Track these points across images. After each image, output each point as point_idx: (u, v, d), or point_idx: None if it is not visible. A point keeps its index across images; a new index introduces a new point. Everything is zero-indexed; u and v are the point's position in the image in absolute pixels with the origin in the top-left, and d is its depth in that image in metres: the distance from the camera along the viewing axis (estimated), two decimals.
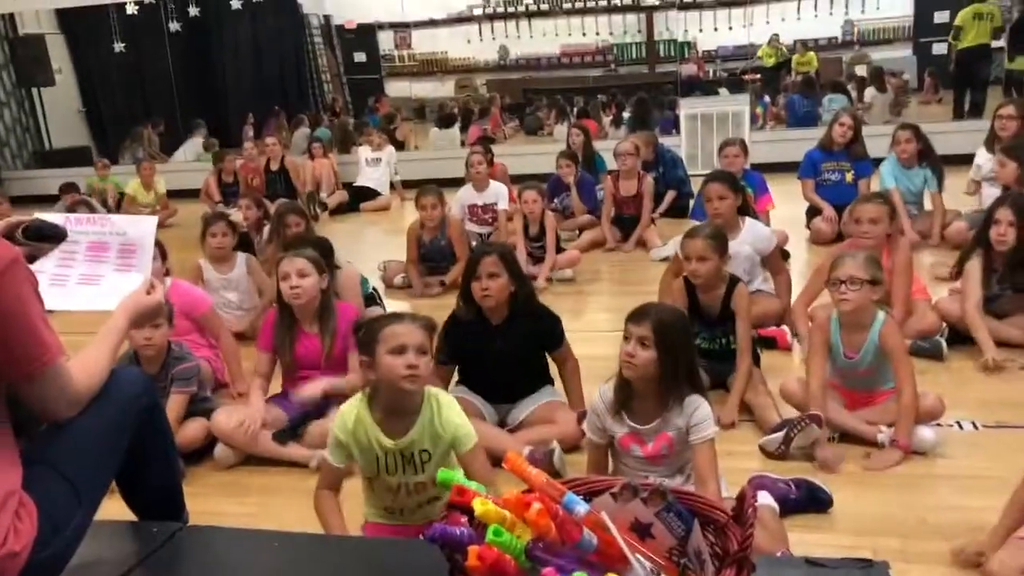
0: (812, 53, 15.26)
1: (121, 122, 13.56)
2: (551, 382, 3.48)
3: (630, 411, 2.56)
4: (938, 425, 3.14)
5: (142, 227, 2.20)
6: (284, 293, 3.41)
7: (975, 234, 4.18)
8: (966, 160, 6.39)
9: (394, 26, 19.06)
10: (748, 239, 4.25)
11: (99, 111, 14.03)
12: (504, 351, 3.28)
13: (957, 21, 10.57)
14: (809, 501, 2.70)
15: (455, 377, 3.45)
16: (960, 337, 3.95)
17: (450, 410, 2.39)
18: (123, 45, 13.13)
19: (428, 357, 2.33)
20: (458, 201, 6.59)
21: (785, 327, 4.22)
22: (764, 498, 2.55)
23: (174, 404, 3.41)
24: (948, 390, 3.39)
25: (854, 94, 12.09)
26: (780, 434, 3.05)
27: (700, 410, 2.48)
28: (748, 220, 4.33)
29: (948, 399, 3.23)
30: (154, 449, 2.15)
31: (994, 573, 2.19)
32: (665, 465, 2.58)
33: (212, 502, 3.06)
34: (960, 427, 3.23)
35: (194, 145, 12.57)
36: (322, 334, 3.46)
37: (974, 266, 3.94)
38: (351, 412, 2.40)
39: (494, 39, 18.80)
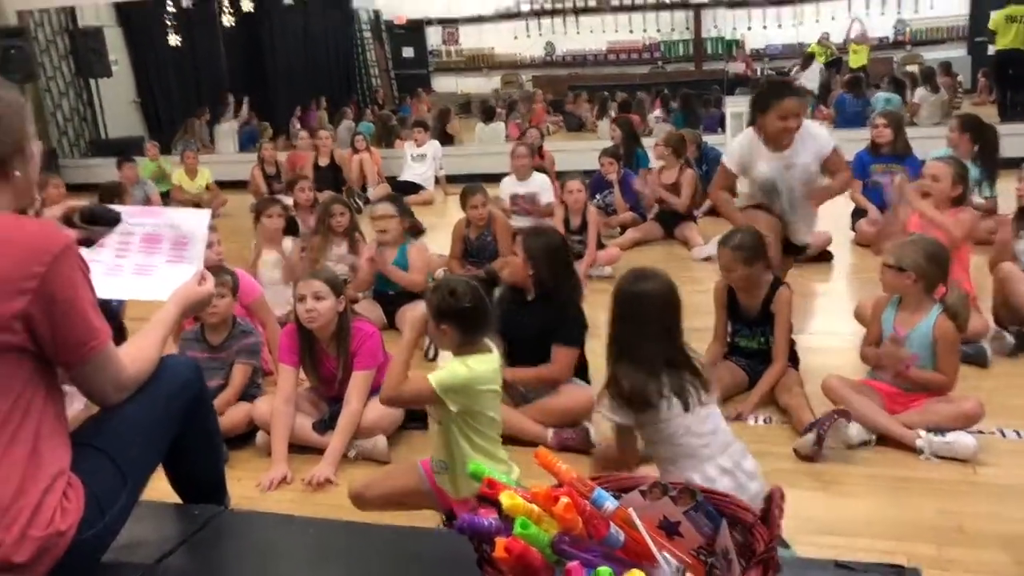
0: (865, 47, 15.01)
1: (174, 113, 13.84)
2: (584, 376, 3.51)
3: None
4: (979, 432, 3.10)
5: (195, 220, 2.26)
6: (299, 314, 3.34)
7: None
8: (1014, 164, 6.25)
9: (442, 22, 19.17)
10: (804, 147, 3.97)
11: (153, 102, 14.32)
12: (527, 326, 3.38)
13: (990, 24, 10.40)
14: None
15: None
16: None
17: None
18: (178, 38, 13.39)
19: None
20: (502, 190, 6.66)
21: None
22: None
23: (238, 375, 3.60)
24: (992, 396, 3.35)
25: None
26: (811, 435, 3.05)
27: None
28: (804, 125, 4.00)
29: (991, 406, 3.19)
30: (200, 435, 2.21)
31: None
32: None
33: (253, 487, 3.13)
34: (1003, 435, 3.18)
35: (230, 128, 12.78)
36: (338, 356, 3.41)
37: None
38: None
39: (541, 35, 18.81)
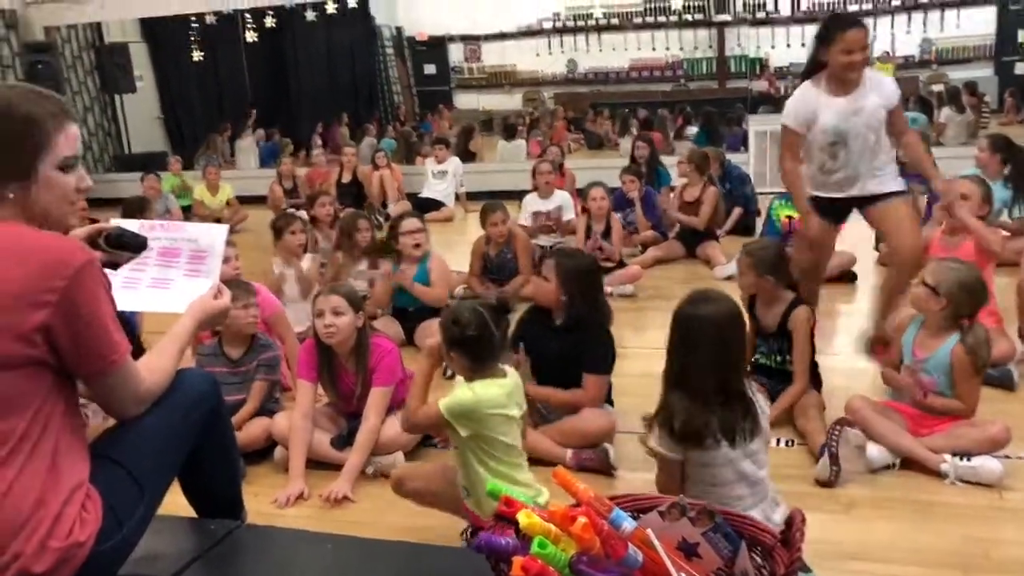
0: (890, 65, 14.96)
1: (197, 129, 13.99)
2: (608, 398, 3.48)
3: None
4: (1006, 457, 3.05)
5: (213, 234, 2.27)
6: (318, 330, 3.34)
7: None
8: None
9: (465, 39, 19.27)
10: (871, 90, 3.74)
11: (177, 118, 14.49)
12: (553, 349, 3.37)
13: (1021, 39, 10.33)
14: None
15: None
16: None
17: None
18: (201, 54, 13.54)
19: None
20: (524, 208, 6.67)
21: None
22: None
23: (257, 390, 3.62)
24: (1019, 420, 3.29)
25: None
26: (824, 458, 3.01)
27: None
28: (868, 71, 3.78)
29: (1018, 430, 3.13)
30: (217, 449, 2.21)
31: None
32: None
33: (270, 503, 3.13)
34: None
35: (251, 143, 12.89)
36: (357, 372, 3.40)
37: None
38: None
39: (563, 52, 18.86)
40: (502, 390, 2.49)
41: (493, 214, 5.64)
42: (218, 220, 8.54)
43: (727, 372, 2.32)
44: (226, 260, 2.70)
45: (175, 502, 2.14)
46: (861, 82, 3.70)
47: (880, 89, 3.75)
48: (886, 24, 17.42)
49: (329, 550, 2.09)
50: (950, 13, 17.05)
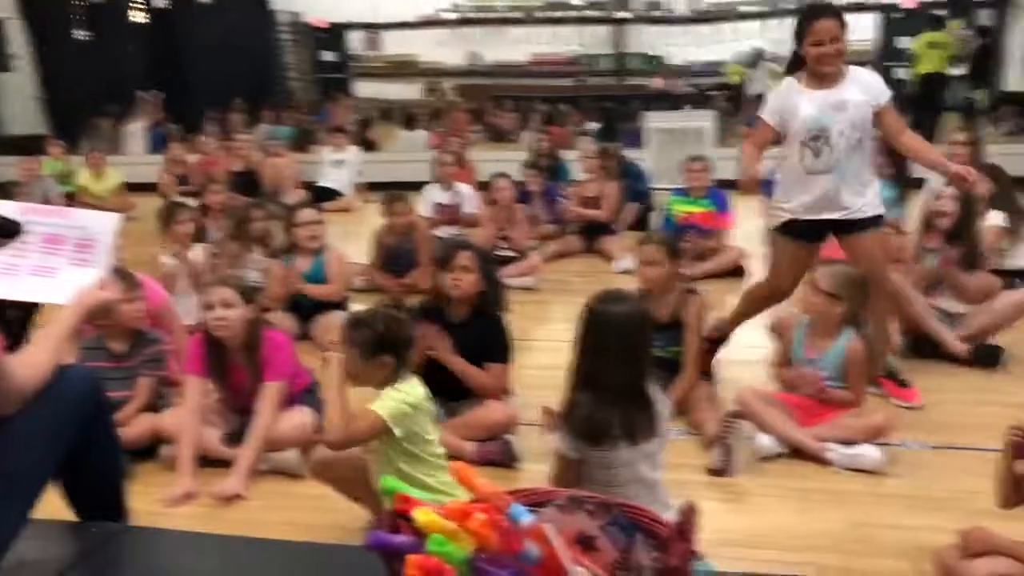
0: (740, 67, 15.76)
1: (81, 112, 13.32)
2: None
3: None
4: (885, 444, 3.19)
5: (103, 223, 2.17)
6: (207, 323, 3.25)
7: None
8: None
9: (364, 26, 18.99)
10: (853, 85, 3.47)
11: (58, 100, 13.76)
12: (457, 348, 3.33)
13: (914, 47, 10.91)
14: None
15: None
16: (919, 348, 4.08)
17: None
18: (85, 34, 12.91)
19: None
20: (425, 199, 6.62)
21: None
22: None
23: (143, 387, 3.48)
24: (897, 410, 3.46)
25: None
26: (717, 448, 3.10)
27: None
28: (851, 67, 3.52)
29: (897, 419, 3.28)
30: (98, 448, 2.11)
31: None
32: None
33: (156, 503, 3.00)
34: (907, 447, 3.28)
35: (134, 132, 12.41)
36: (248, 367, 3.30)
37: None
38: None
39: (465, 44, 18.80)
40: (423, 388, 2.51)
41: (396, 204, 5.59)
42: (104, 208, 8.19)
43: (634, 372, 2.34)
44: None
45: (53, 504, 2.03)
46: (842, 76, 3.46)
47: (864, 85, 3.48)
48: (776, 26, 18.01)
49: (219, 552, 2.02)
50: None
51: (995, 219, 4.61)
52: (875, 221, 3.57)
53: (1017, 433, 2.29)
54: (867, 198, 3.54)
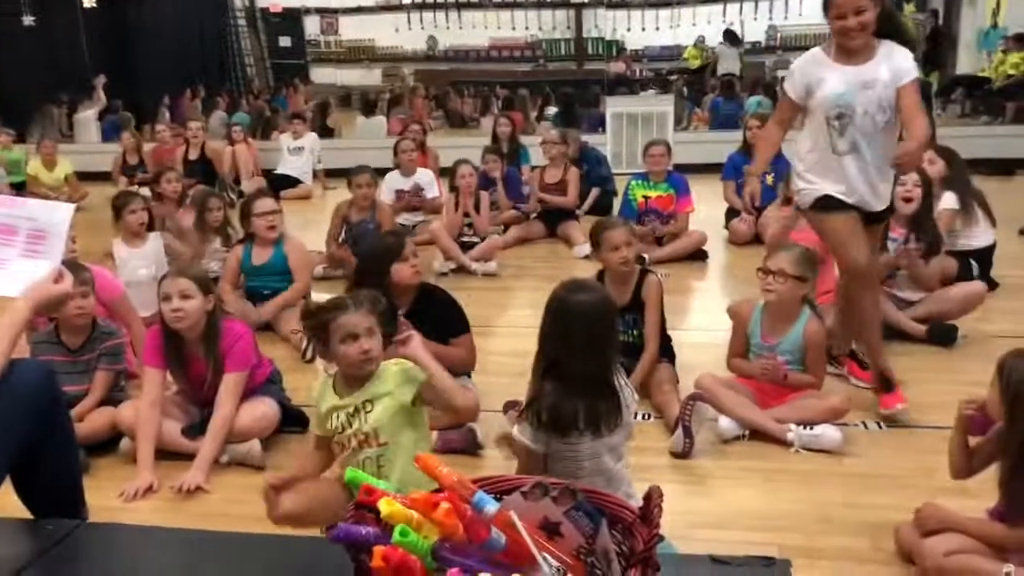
0: (699, 50, 16.10)
1: (29, 99, 13.00)
2: (467, 374, 3.48)
3: None
4: (844, 424, 3.24)
5: (56, 214, 2.12)
6: (165, 314, 3.17)
7: None
8: None
9: (320, 11, 18.78)
10: (886, 62, 3.19)
11: (4, 86, 13.41)
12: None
13: None
14: None
15: None
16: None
17: (401, 369, 2.49)
18: (32, 18, 12.59)
19: (378, 334, 2.46)
20: (386, 185, 6.59)
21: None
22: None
23: (100, 379, 3.41)
24: (855, 391, 3.51)
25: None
26: (679, 431, 3.12)
27: None
28: (884, 42, 3.22)
29: (855, 400, 3.34)
30: (53, 444, 2.07)
31: (923, 554, 2.28)
32: None
33: (115, 497, 2.95)
34: (865, 427, 3.33)
35: (86, 120, 12.16)
36: (208, 358, 3.23)
37: None
38: (321, 386, 2.55)
39: (423, 29, 18.68)
40: None
41: (359, 176, 5.66)
42: (56, 198, 8.03)
43: (600, 361, 2.32)
44: None
45: (7, 503, 1.99)
46: (872, 52, 3.18)
47: (893, 63, 3.17)
48: (735, 11, 18.14)
49: (181, 546, 1.99)
50: (793, 1, 17.96)
51: (949, 201, 4.69)
52: (887, 211, 3.45)
53: (968, 406, 2.34)
54: (888, 185, 3.38)
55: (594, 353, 2.31)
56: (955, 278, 4.49)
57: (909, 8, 12.68)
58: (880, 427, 3.33)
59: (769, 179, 6.40)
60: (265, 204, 4.75)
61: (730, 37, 15.65)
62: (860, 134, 3.19)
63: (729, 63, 15.00)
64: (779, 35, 18.25)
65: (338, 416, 2.47)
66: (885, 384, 3.39)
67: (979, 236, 4.77)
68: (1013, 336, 3.98)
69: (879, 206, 3.33)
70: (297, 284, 4.69)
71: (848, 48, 3.18)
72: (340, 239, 5.70)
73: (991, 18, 13.57)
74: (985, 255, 4.80)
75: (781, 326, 3.32)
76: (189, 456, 3.14)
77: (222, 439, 3.15)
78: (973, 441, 2.38)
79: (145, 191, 6.21)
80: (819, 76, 3.24)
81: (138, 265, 4.72)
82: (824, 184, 3.29)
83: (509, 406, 3.24)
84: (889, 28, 3.20)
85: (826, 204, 3.28)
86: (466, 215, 6.00)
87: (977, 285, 4.35)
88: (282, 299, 4.63)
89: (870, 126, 3.18)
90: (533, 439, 2.33)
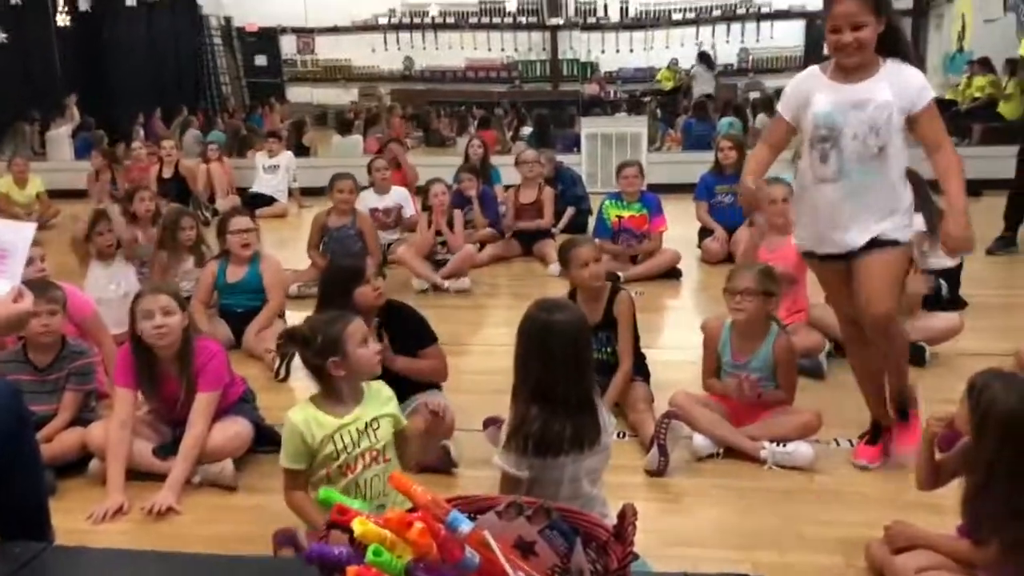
0: (672, 71, 16.40)
1: (1, 115, 12.88)
2: (439, 387, 3.49)
3: None
4: (816, 441, 3.26)
5: (16, 233, 2.08)
6: (146, 333, 3.12)
7: None
8: None
9: (297, 31, 18.79)
10: (887, 81, 2.81)
11: None
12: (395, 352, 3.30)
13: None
14: None
15: None
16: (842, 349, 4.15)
17: (382, 386, 2.62)
18: (5, 35, 12.49)
19: None
20: (360, 204, 6.58)
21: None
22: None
23: (70, 399, 3.36)
24: (827, 408, 3.53)
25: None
26: (654, 449, 3.13)
27: None
28: (891, 60, 2.84)
29: (827, 417, 3.36)
30: (19, 464, 2.04)
31: (895, 571, 2.31)
32: None
33: (84, 520, 2.91)
34: (837, 444, 3.35)
35: (58, 137, 12.07)
36: (180, 377, 3.20)
37: None
38: (301, 414, 2.49)
39: (399, 49, 18.73)
40: None
41: (342, 182, 5.76)
42: (28, 215, 7.98)
43: (584, 379, 2.33)
44: (29, 262, 2.47)
45: None
46: (873, 70, 2.81)
47: (899, 84, 2.80)
48: (707, 34, 18.38)
49: (152, 569, 1.97)
50: (764, 24, 18.24)
51: (916, 223, 4.74)
52: (893, 242, 2.89)
53: (937, 423, 2.38)
54: (894, 221, 2.88)
55: (578, 372, 2.32)
56: (924, 298, 4.55)
57: None
58: (852, 444, 3.35)
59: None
60: (240, 222, 4.73)
61: (704, 59, 15.85)
62: (851, 161, 2.83)
63: (704, 85, 15.17)
64: (751, 58, 18.50)
65: (344, 436, 2.46)
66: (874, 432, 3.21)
67: (947, 256, 4.83)
68: (981, 354, 4.04)
69: (865, 239, 2.86)
70: (271, 303, 4.66)
71: (845, 67, 2.83)
72: (320, 247, 5.79)
73: (957, 42, 13.83)
74: (953, 275, 4.86)
75: (750, 344, 3.34)
76: (160, 477, 3.10)
77: (194, 459, 3.12)
78: (940, 455, 2.42)
79: (116, 209, 6.14)
80: (809, 94, 2.91)
81: (107, 283, 4.69)
82: (798, 228, 3.11)
83: (489, 422, 3.23)
84: (893, 46, 2.82)
85: (810, 255, 3.07)
86: (438, 233, 6.00)
87: (955, 319, 4.34)
88: (260, 322, 4.59)
89: (859, 151, 2.81)
90: (516, 465, 2.32)
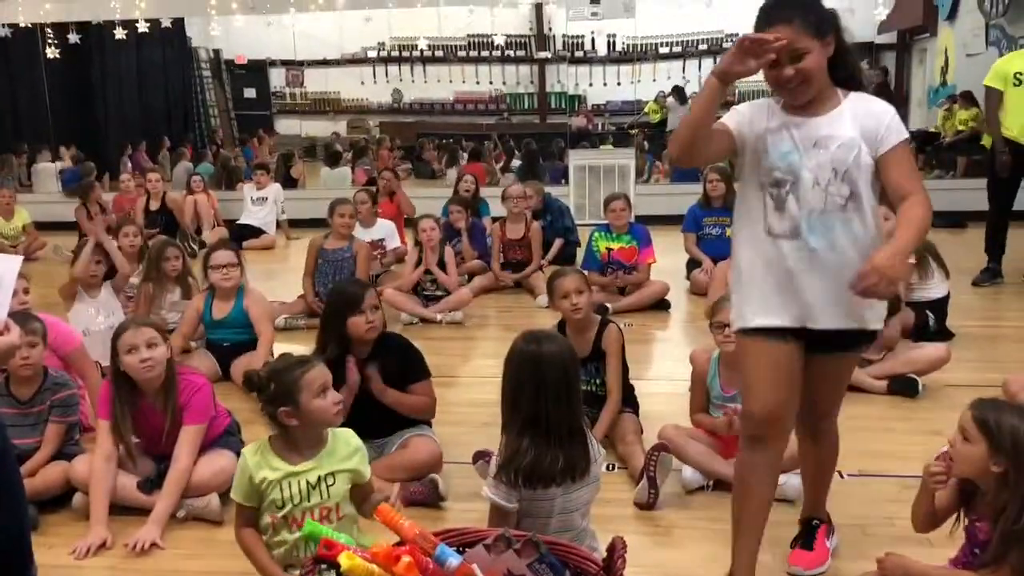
0: (658, 104, 16.62)
1: None
2: (428, 423, 3.46)
3: None
4: None
5: (4, 265, 2.07)
6: (131, 367, 3.07)
7: None
8: None
9: (286, 63, 18.90)
10: (851, 114, 2.29)
11: None
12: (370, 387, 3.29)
13: None
14: None
15: None
16: None
17: (351, 436, 2.55)
18: None
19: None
20: None
21: None
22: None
23: (52, 434, 3.32)
24: None
25: None
26: (643, 482, 3.12)
27: None
28: (853, 92, 2.34)
29: None
30: (1, 498, 2.00)
31: None
32: None
33: (67, 555, 2.87)
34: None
35: (45, 170, 12.06)
36: (165, 410, 3.16)
37: None
38: (254, 453, 2.47)
39: (388, 82, 18.85)
40: None
41: (343, 206, 5.85)
42: (13, 247, 7.95)
43: (572, 409, 2.34)
44: (13, 293, 2.45)
45: None
46: (834, 101, 2.32)
47: (864, 118, 2.29)
48: (693, 66, 18.60)
49: None
50: None
51: None
52: (870, 336, 2.43)
53: (937, 478, 2.31)
54: (875, 307, 2.35)
55: (568, 402, 2.33)
56: (912, 328, 4.57)
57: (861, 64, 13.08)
58: (842, 476, 3.34)
59: (728, 231, 6.51)
60: (221, 257, 4.69)
61: (677, 93, 16.08)
62: (814, 213, 2.27)
63: (678, 118, 15.37)
64: (736, 91, 18.70)
65: (293, 485, 2.41)
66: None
67: (934, 288, 4.86)
68: (969, 385, 4.06)
69: (834, 323, 2.32)
70: (263, 337, 4.62)
71: (796, 99, 2.32)
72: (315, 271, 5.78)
73: (940, 76, 14.03)
74: (940, 306, 4.90)
75: (738, 375, 3.32)
76: (145, 511, 3.06)
77: (179, 493, 3.08)
78: (940, 497, 2.38)
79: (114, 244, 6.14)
80: (761, 120, 2.36)
81: (95, 315, 4.68)
82: (734, 296, 2.46)
83: (479, 456, 3.21)
84: (847, 74, 2.36)
85: (746, 332, 2.40)
86: (427, 272, 5.97)
87: (941, 349, 4.33)
88: (259, 357, 4.50)
89: (820, 201, 2.26)
90: (506, 497, 2.31)
